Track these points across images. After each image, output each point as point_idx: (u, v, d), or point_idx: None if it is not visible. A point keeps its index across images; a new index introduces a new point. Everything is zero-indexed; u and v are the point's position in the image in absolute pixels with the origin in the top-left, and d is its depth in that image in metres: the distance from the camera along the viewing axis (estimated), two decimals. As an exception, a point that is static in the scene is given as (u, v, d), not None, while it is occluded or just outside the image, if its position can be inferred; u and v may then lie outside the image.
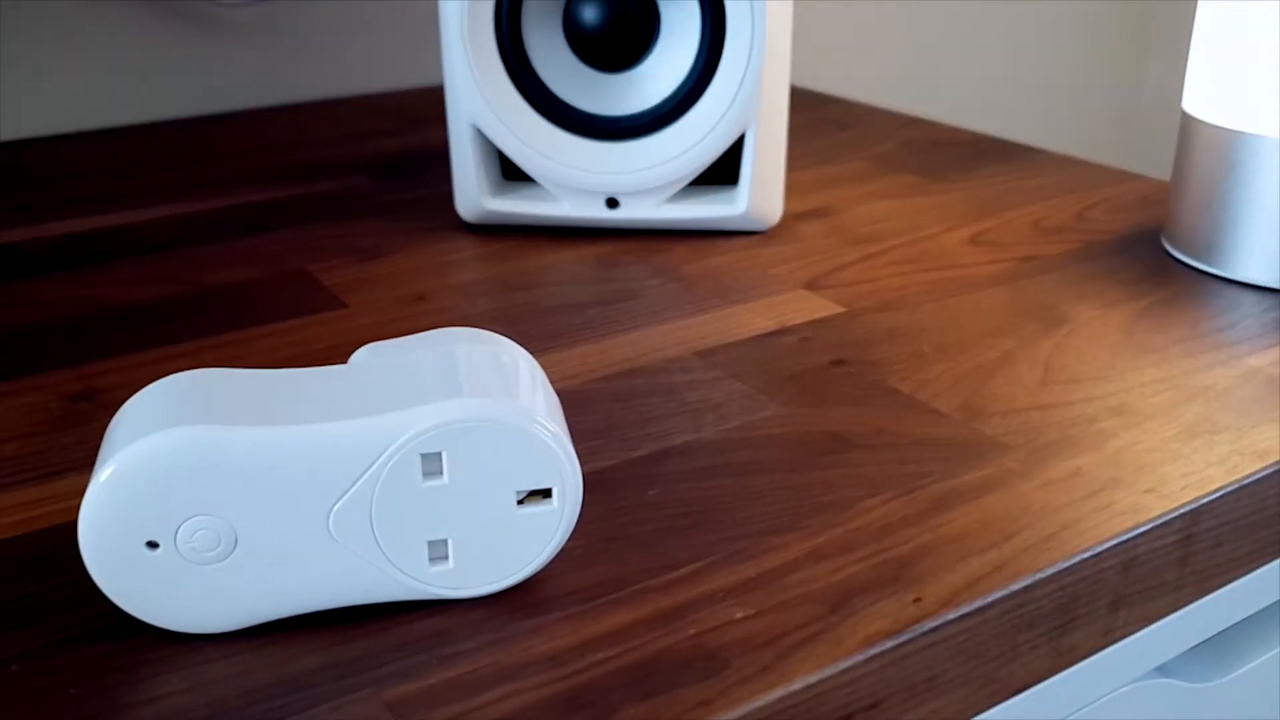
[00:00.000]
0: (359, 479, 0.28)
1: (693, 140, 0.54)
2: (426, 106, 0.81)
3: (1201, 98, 0.50)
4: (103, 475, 0.27)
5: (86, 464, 0.37)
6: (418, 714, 0.27)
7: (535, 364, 0.32)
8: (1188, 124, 0.51)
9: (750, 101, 0.53)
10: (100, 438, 0.39)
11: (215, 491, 0.27)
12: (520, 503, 0.30)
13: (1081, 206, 0.60)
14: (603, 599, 0.31)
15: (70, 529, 0.34)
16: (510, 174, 0.57)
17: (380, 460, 0.28)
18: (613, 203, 0.55)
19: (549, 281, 0.51)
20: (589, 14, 0.53)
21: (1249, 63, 0.47)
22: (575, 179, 0.54)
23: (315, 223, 0.59)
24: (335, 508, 0.28)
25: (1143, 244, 0.55)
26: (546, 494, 0.30)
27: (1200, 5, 0.50)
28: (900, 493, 0.35)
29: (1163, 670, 0.40)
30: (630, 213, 0.55)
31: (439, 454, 0.29)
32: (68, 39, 0.75)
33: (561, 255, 0.54)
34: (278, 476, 0.28)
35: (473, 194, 0.56)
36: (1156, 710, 0.40)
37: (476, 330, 0.33)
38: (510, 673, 0.28)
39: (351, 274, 0.52)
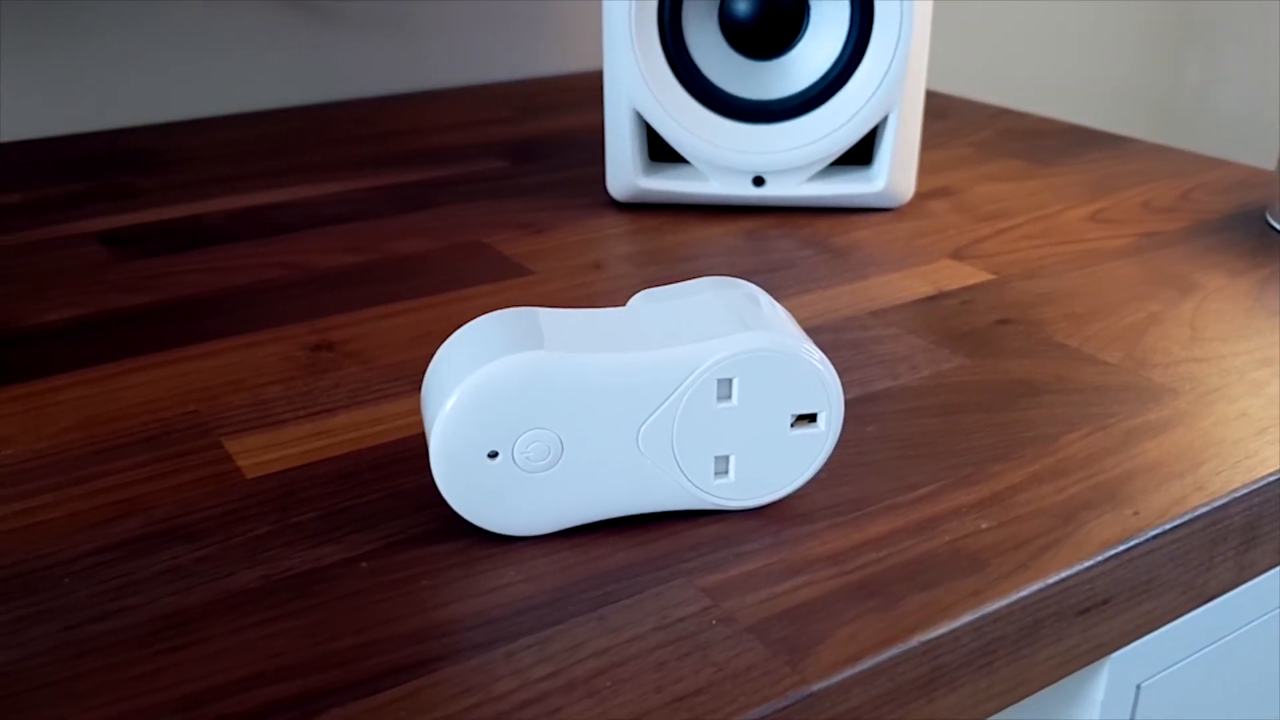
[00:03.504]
0: (666, 400, 0.32)
1: (837, 123, 0.58)
2: (532, 96, 0.85)
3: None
4: (450, 401, 0.31)
5: (351, 403, 0.41)
6: (732, 599, 0.31)
7: (777, 303, 0.36)
8: (1297, 110, 0.56)
9: (894, 89, 0.57)
10: (352, 382, 0.43)
11: (549, 408, 0.32)
12: (791, 425, 0.34)
13: (1184, 189, 0.64)
14: (859, 512, 0.35)
15: (358, 456, 0.38)
16: (655, 155, 0.61)
17: (685, 384, 0.32)
18: (759, 181, 0.59)
19: (709, 253, 0.56)
20: (744, 6, 0.57)
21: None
22: (726, 159, 0.59)
23: (471, 200, 0.63)
24: (645, 425, 0.32)
25: (1249, 222, 0.59)
26: (812, 419, 0.34)
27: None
28: (1095, 429, 0.39)
29: (1310, 595, 0.45)
30: (775, 190, 0.60)
31: (731, 380, 0.33)
32: (207, 32, 0.79)
33: (712, 230, 0.58)
34: (601, 397, 0.32)
35: (627, 173, 0.60)
36: (1304, 632, 0.44)
37: (723, 278, 0.37)
38: (799, 568, 0.32)
39: (526, 245, 0.56)
